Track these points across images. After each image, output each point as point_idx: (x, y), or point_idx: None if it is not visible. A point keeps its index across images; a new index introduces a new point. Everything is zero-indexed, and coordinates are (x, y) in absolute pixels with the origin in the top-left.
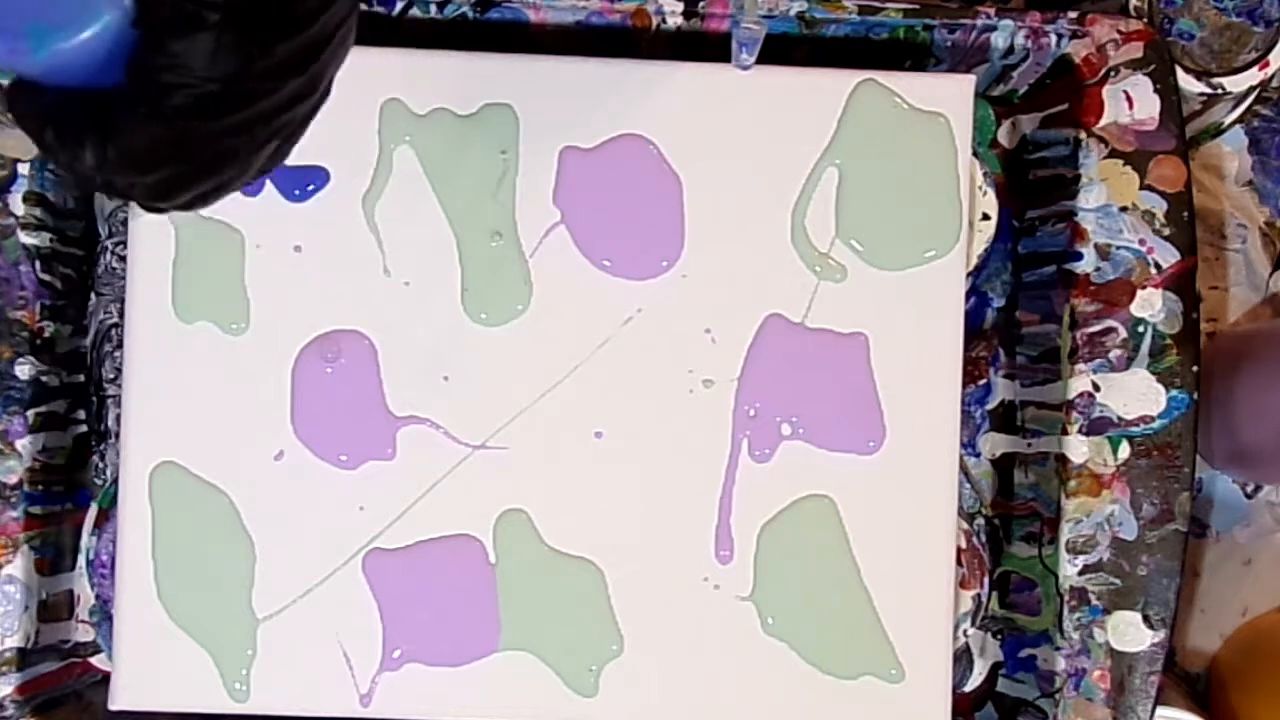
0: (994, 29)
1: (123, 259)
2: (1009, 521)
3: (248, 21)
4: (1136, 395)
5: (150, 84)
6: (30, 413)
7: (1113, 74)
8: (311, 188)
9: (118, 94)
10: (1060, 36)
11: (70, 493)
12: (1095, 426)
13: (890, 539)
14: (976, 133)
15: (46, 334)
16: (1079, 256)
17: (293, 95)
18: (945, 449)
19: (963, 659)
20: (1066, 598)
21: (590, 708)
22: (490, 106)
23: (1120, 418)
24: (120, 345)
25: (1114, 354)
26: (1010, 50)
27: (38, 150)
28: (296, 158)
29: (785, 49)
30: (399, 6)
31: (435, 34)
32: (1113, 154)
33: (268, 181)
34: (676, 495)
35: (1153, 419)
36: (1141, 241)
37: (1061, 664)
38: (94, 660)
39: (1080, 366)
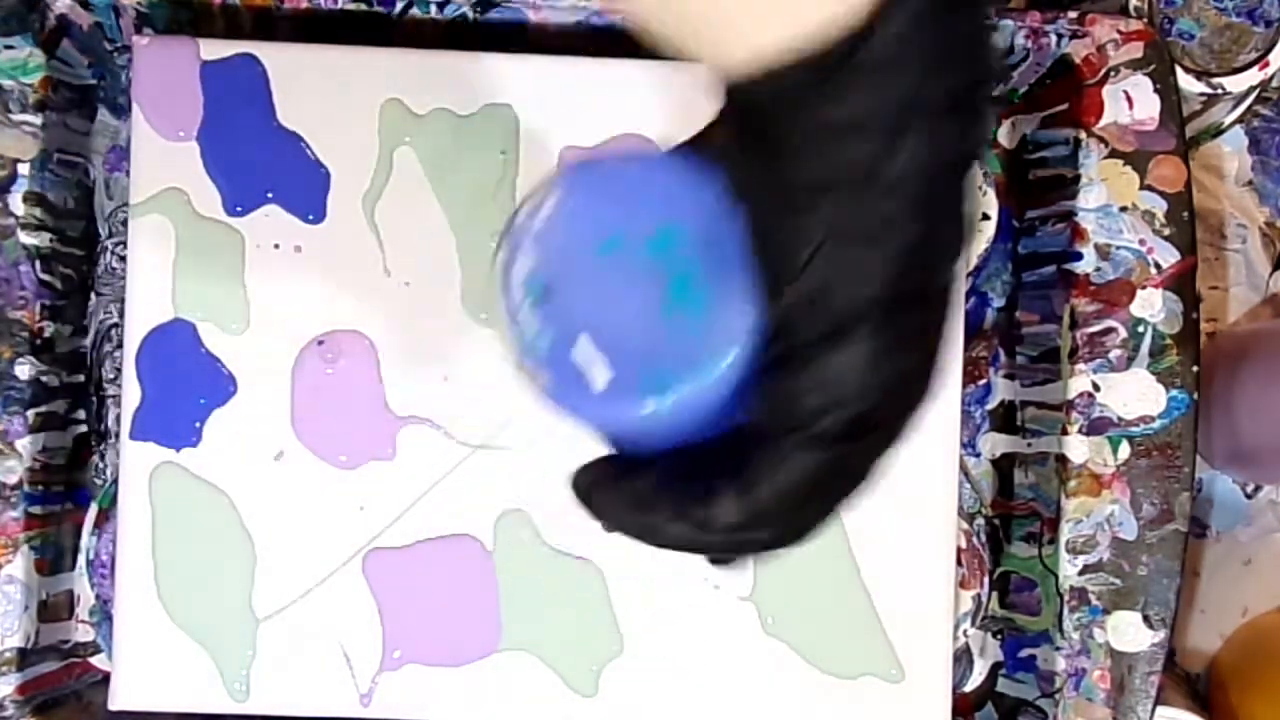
0: (994, 29)
1: (123, 259)
2: (1009, 521)
3: (895, 324)
4: (1136, 395)
5: (796, 411)
6: (30, 413)
7: (1113, 74)
8: (315, 213)
9: (746, 434)
10: (1060, 36)
11: (70, 493)
12: (1095, 426)
13: (890, 539)
14: None
15: (46, 334)
16: (1079, 256)
17: (925, 395)
18: (945, 449)
19: (963, 659)
20: (1066, 598)
21: (591, 708)
22: (490, 106)
23: (1120, 418)
24: (120, 345)
25: (1114, 354)
26: (1010, 50)
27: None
28: (296, 183)
29: None
30: (399, 6)
31: (435, 34)
32: (1113, 154)
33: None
34: None
35: (1153, 419)
36: (1141, 241)
37: (1061, 664)
38: (94, 660)
39: (1080, 366)
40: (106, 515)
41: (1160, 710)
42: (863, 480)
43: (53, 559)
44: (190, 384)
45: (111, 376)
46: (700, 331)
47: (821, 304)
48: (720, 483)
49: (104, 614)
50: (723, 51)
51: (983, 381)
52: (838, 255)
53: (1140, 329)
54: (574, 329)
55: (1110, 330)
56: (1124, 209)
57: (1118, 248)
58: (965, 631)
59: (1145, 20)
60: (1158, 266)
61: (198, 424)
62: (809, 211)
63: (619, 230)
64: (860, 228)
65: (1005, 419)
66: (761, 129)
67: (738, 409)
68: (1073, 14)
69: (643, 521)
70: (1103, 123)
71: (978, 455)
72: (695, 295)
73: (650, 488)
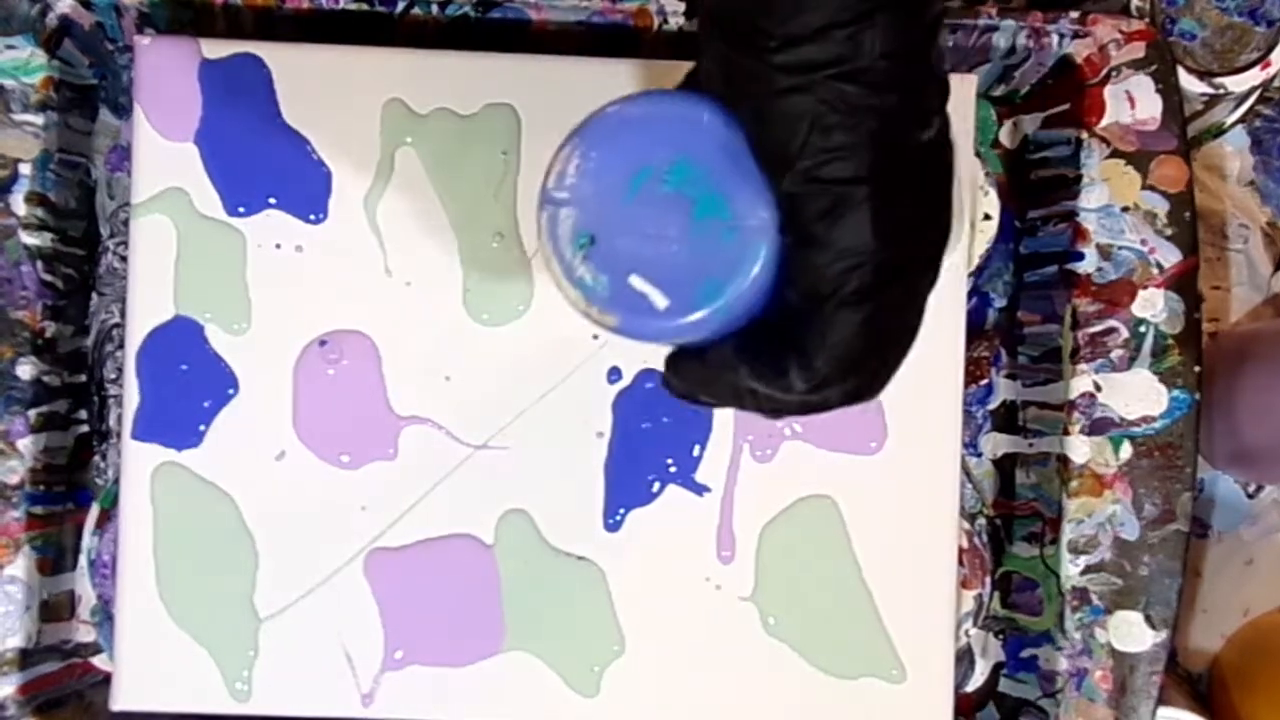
0: (995, 29)
1: (124, 259)
2: (1010, 521)
3: (887, 182)
4: (1138, 395)
5: (824, 281)
6: (32, 413)
7: (1115, 74)
8: (316, 213)
9: (793, 309)
10: (1062, 36)
11: (72, 493)
12: (1097, 426)
13: (892, 539)
14: (978, 133)
15: (48, 334)
16: (1081, 256)
17: (943, 233)
18: (947, 449)
19: (964, 659)
20: (1068, 598)
21: (592, 708)
22: (491, 106)
23: (1122, 418)
24: (122, 345)
25: (1115, 354)
26: (1012, 50)
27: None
28: (297, 183)
29: None
30: (400, 6)
31: (436, 34)
32: (1114, 154)
33: (278, 209)
34: (678, 495)
35: (1154, 419)
36: (1143, 241)
37: (1063, 664)
38: (95, 660)
39: (1082, 366)
40: (108, 515)
41: (1162, 710)
42: (911, 322)
43: (54, 559)
44: (192, 384)
45: (113, 376)
46: (732, 238)
47: (818, 185)
48: (786, 357)
49: (105, 614)
50: None
51: (984, 381)
52: (822, 141)
53: (1142, 329)
54: (625, 268)
55: (1112, 330)
56: (1126, 209)
57: (1119, 248)
58: (967, 631)
59: (1147, 20)
60: (1159, 266)
61: (199, 424)
62: (794, 95)
63: (638, 171)
64: (838, 112)
65: (1007, 419)
66: (744, 31)
67: (783, 286)
68: (1074, 14)
69: (728, 383)
70: (1104, 123)
71: (979, 455)
72: (718, 208)
73: (730, 353)
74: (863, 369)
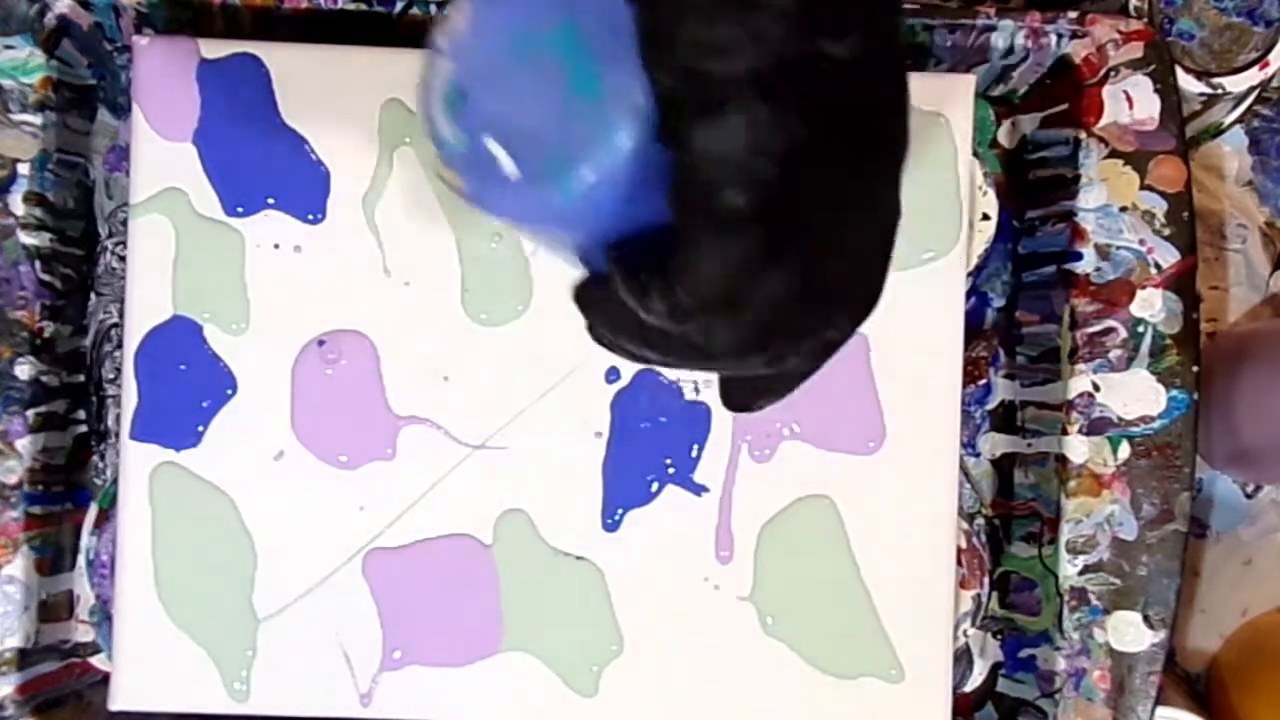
0: (994, 29)
1: (123, 259)
2: (1009, 521)
3: (779, 91)
4: (1136, 395)
5: (694, 190)
6: (30, 413)
7: (1113, 74)
8: (315, 213)
9: (670, 228)
10: (1060, 36)
11: (70, 493)
12: (1095, 426)
13: (890, 539)
14: (976, 133)
15: (46, 334)
16: (1079, 256)
17: (869, 176)
18: (945, 449)
19: (963, 659)
20: (1066, 598)
21: (590, 708)
22: None
23: (1120, 418)
24: (120, 345)
25: (1114, 354)
26: (1010, 50)
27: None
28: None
29: None
30: (399, 6)
31: None
32: (1113, 154)
33: (277, 209)
34: (676, 495)
35: (1153, 419)
36: (1141, 241)
37: (1061, 664)
38: (94, 660)
39: (1080, 366)
40: (106, 515)
41: (1160, 710)
42: (823, 279)
43: (53, 559)
44: (190, 384)
45: (111, 376)
46: (596, 115)
47: (698, 79)
48: (651, 276)
49: (104, 614)
50: None
51: (983, 381)
52: (705, 33)
53: (1140, 329)
54: (485, 130)
55: (1110, 330)
56: (1124, 209)
57: (1118, 248)
58: (965, 631)
59: (1145, 20)
60: (1158, 266)
61: (198, 424)
62: None
63: (523, 32)
64: (727, 5)
65: (1005, 419)
66: None
67: (661, 202)
68: (1073, 14)
69: (617, 304)
70: (1103, 123)
71: (978, 455)
72: (592, 83)
73: (605, 257)
74: (735, 313)
